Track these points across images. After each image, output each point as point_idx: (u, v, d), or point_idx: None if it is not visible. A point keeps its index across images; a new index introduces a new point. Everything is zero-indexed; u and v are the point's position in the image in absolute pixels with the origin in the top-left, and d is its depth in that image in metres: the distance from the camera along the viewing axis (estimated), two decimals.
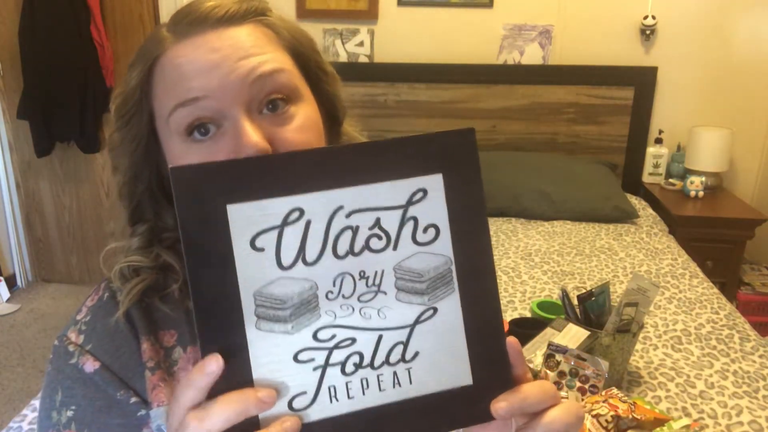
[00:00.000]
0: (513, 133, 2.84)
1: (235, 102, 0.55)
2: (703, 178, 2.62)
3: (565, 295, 1.33)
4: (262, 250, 0.41)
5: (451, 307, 0.44)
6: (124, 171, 0.62)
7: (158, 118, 0.59)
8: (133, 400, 0.59)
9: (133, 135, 0.60)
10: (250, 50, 0.56)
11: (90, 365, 0.59)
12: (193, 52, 0.56)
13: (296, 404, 0.42)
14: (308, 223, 0.42)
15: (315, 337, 0.42)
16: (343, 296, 0.43)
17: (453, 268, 0.44)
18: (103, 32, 2.80)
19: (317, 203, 0.42)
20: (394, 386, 0.43)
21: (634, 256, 2.10)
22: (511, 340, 0.45)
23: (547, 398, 0.44)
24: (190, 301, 0.62)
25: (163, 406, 0.59)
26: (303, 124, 0.57)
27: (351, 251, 0.43)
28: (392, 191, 0.43)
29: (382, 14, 2.81)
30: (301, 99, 0.59)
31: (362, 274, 0.43)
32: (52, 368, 0.63)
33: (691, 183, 2.62)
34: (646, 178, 2.83)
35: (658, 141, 2.79)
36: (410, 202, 0.44)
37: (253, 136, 0.53)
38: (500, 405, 0.43)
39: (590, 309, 1.31)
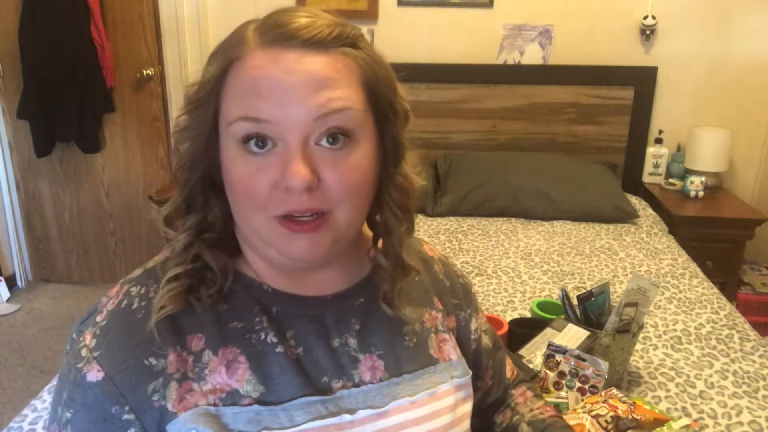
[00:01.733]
0: (513, 133, 2.84)
1: (295, 131, 0.56)
2: (703, 178, 2.62)
3: (565, 295, 1.33)
4: None
5: None
6: (183, 154, 0.64)
7: (222, 117, 0.60)
8: (126, 417, 0.59)
9: (198, 123, 0.62)
10: (325, 82, 0.57)
11: (93, 375, 0.60)
12: (270, 68, 0.57)
13: None
14: None
15: None
16: None
17: None
18: (103, 32, 2.80)
19: None
20: None
21: (634, 256, 2.10)
22: None
23: None
24: (221, 305, 0.64)
25: (192, 409, 0.60)
26: (355, 165, 0.59)
27: None
28: None
29: (382, 14, 2.81)
30: (362, 139, 0.60)
31: None
32: (66, 361, 0.63)
33: (691, 183, 2.62)
34: (646, 178, 2.83)
35: (658, 141, 2.79)
36: None
37: (299, 169, 0.56)
38: None
39: (590, 309, 1.31)
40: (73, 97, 2.79)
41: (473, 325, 0.82)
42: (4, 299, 3.00)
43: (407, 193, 0.68)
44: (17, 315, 2.90)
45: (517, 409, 0.86)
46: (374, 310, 0.71)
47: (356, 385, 0.66)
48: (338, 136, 0.58)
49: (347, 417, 0.64)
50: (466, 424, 0.73)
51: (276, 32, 0.58)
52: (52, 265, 3.22)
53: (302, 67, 0.57)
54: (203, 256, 0.64)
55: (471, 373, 0.75)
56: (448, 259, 0.86)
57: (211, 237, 0.66)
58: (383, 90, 0.63)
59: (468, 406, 0.73)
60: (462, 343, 0.79)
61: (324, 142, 0.58)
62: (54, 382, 1.37)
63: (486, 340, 0.84)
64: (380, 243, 0.71)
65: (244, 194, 0.59)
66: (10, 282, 3.11)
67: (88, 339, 0.62)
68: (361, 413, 0.65)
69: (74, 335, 0.64)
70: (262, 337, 0.64)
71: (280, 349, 0.64)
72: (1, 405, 2.27)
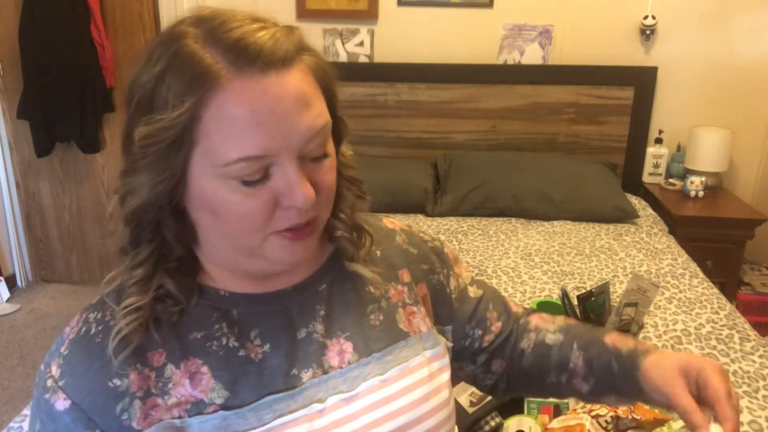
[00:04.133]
0: (513, 133, 2.84)
1: (292, 154, 0.57)
2: (703, 178, 2.62)
3: (565, 295, 1.33)
4: None
5: None
6: (142, 199, 0.59)
7: (202, 154, 0.56)
8: None
9: (163, 167, 0.57)
10: (306, 100, 0.58)
11: (60, 403, 0.60)
12: (259, 99, 0.55)
13: None
14: None
15: None
16: None
17: None
18: (103, 32, 2.80)
19: None
20: None
21: (634, 256, 2.10)
22: None
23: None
24: (181, 323, 0.64)
25: (156, 424, 0.60)
26: (331, 164, 0.62)
27: None
28: None
29: (382, 14, 2.81)
30: (330, 143, 0.62)
31: None
32: (35, 394, 0.64)
33: (691, 183, 2.62)
34: (646, 178, 2.83)
35: (658, 141, 2.79)
36: None
37: (307, 189, 0.58)
38: None
39: (590, 309, 1.31)
40: (73, 97, 2.79)
41: (452, 284, 0.82)
42: (4, 299, 3.00)
43: (352, 166, 0.72)
44: (17, 315, 2.90)
45: (540, 327, 0.85)
46: (338, 295, 0.71)
47: (325, 372, 0.67)
48: (321, 152, 0.60)
49: (317, 406, 0.64)
50: (445, 394, 0.73)
51: (250, 59, 0.55)
52: (52, 265, 3.22)
53: (286, 91, 0.56)
54: (166, 286, 0.63)
55: (442, 343, 0.76)
56: (412, 228, 0.85)
57: (173, 266, 0.64)
58: (331, 84, 0.64)
59: (445, 376, 0.74)
60: (441, 308, 0.80)
61: (309, 158, 0.60)
62: None
63: (474, 290, 0.84)
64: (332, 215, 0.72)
65: (238, 220, 0.58)
66: (10, 282, 3.11)
67: (54, 370, 0.62)
68: (332, 399, 0.65)
69: (42, 367, 0.64)
70: (224, 342, 0.64)
71: (242, 352, 0.64)
72: (1, 405, 2.28)
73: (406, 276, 0.78)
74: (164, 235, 0.63)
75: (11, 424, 1.23)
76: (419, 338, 0.73)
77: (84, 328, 0.64)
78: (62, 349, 0.64)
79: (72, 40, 2.72)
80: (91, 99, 2.83)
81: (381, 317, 0.72)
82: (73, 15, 2.71)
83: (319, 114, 0.59)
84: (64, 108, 2.80)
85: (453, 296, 0.82)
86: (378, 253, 0.77)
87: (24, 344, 2.66)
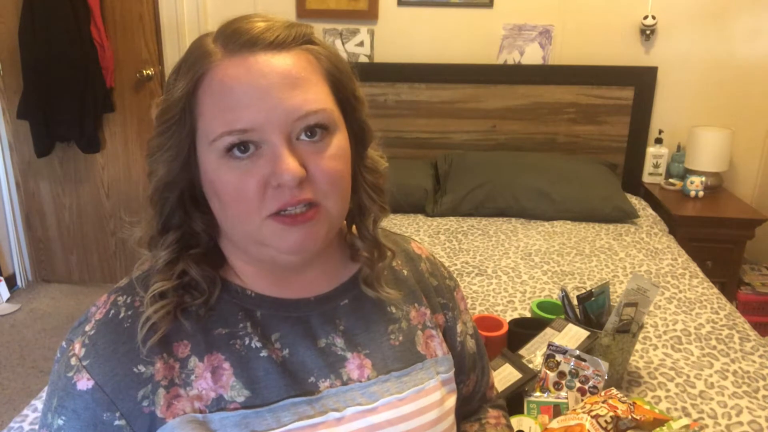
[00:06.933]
0: (513, 133, 2.84)
1: (278, 132, 0.58)
2: (703, 178, 2.62)
3: (565, 295, 1.33)
4: None
5: None
6: (159, 177, 0.63)
7: (201, 134, 0.61)
8: (117, 423, 0.60)
9: (172, 144, 0.62)
10: (297, 81, 0.59)
11: (83, 383, 0.61)
12: (243, 75, 0.58)
13: None
14: None
15: None
16: None
17: None
18: (103, 32, 2.80)
19: None
20: None
21: (634, 256, 2.10)
22: None
23: None
24: (207, 312, 0.65)
25: (180, 416, 0.61)
26: (336, 153, 0.62)
27: None
28: None
29: (382, 14, 2.81)
30: (336, 130, 0.63)
31: None
32: (56, 369, 0.64)
33: (691, 183, 2.62)
34: (646, 178, 2.83)
35: (658, 141, 2.79)
36: None
37: (290, 164, 0.57)
38: None
39: (590, 309, 1.31)
40: (73, 97, 2.79)
41: (459, 328, 0.83)
42: (4, 299, 3.00)
43: (378, 174, 0.71)
44: (17, 315, 2.90)
45: (485, 428, 0.87)
46: (359, 312, 0.72)
47: (344, 383, 0.67)
48: (317, 131, 0.60)
49: (335, 415, 0.65)
50: (452, 418, 0.74)
51: (240, 40, 0.59)
52: (52, 265, 3.22)
53: (273, 68, 0.59)
54: (190, 272, 0.65)
55: (454, 368, 0.77)
56: (436, 259, 0.87)
57: (197, 252, 0.66)
58: (345, 80, 0.65)
59: (453, 400, 0.75)
60: (448, 344, 0.80)
61: (304, 137, 0.60)
62: None
63: (471, 344, 0.86)
64: (354, 229, 0.73)
65: (234, 199, 0.60)
66: (10, 282, 3.11)
67: (77, 348, 0.63)
68: (350, 410, 0.66)
69: (64, 343, 0.65)
70: (246, 342, 0.65)
71: (264, 353, 0.65)
72: (1, 405, 2.28)
73: (425, 301, 0.79)
74: (192, 225, 0.66)
75: (11, 424, 1.23)
76: (435, 362, 0.74)
77: (113, 311, 0.64)
78: (87, 328, 0.64)
79: (72, 40, 2.72)
80: (91, 99, 2.82)
81: (401, 338, 0.73)
82: (73, 15, 2.70)
83: (314, 99, 0.60)
84: (64, 108, 2.80)
85: (459, 339, 0.82)
86: (405, 272, 0.78)
87: (24, 344, 2.66)
